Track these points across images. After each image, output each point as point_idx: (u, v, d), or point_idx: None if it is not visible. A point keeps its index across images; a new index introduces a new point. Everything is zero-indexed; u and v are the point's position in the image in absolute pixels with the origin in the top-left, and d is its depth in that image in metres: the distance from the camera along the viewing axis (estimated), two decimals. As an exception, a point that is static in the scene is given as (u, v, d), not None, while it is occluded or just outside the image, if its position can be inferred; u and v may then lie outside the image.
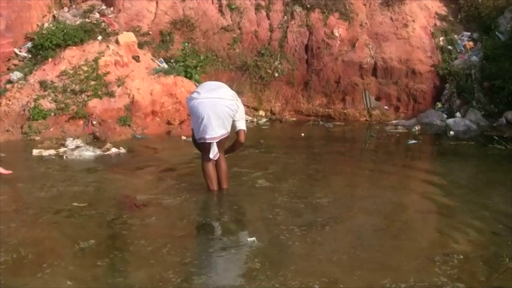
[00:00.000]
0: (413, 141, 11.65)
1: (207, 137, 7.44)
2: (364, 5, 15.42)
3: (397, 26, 14.95)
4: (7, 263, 5.54)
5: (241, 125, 7.65)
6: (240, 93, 14.03)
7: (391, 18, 15.10)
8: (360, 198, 7.76)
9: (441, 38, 14.88)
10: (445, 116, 13.62)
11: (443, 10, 15.40)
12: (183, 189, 7.96)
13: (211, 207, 7.37)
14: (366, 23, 15.13)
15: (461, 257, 5.47)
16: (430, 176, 9.05)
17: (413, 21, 14.96)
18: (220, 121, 7.40)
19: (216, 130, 7.41)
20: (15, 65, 14.24)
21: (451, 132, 12.41)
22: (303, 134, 12.76)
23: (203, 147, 7.58)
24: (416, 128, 12.91)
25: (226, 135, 7.55)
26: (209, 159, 7.57)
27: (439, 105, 14.09)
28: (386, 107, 14.43)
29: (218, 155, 7.56)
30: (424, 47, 14.65)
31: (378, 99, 14.53)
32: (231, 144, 7.88)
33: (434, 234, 6.32)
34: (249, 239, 5.86)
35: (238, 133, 7.67)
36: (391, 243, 5.97)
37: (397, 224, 6.65)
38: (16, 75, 13.57)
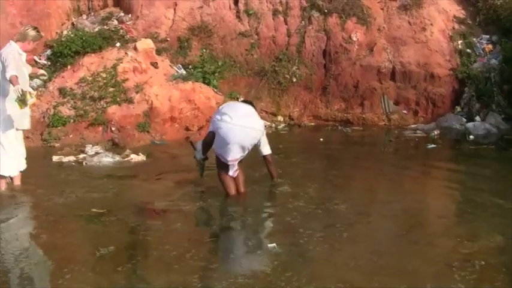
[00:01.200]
0: (433, 146, 11.60)
1: (229, 158, 7.47)
2: (382, 9, 15.38)
3: (415, 29, 14.90)
4: (28, 269, 5.57)
5: (268, 150, 7.93)
6: (258, 98, 14.15)
7: (409, 22, 15.05)
8: (378, 203, 7.73)
9: (460, 42, 14.81)
10: (464, 119, 13.55)
11: (461, 13, 15.33)
12: (202, 195, 8.00)
13: (230, 213, 7.35)
14: (383, 27, 15.09)
15: (482, 263, 5.41)
16: (450, 181, 9.00)
17: (431, 24, 14.90)
18: (245, 149, 7.50)
19: (240, 153, 7.48)
20: (34, 72, 14.34)
21: (471, 136, 12.35)
22: (321, 139, 12.73)
23: (223, 162, 7.60)
24: (436, 132, 12.84)
25: None
26: (227, 172, 7.58)
27: (458, 109, 14.03)
28: (405, 111, 14.37)
29: (237, 171, 7.58)
30: (442, 51, 14.59)
31: (396, 103, 14.47)
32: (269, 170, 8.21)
33: (454, 240, 6.25)
34: (269, 245, 5.85)
35: (266, 158, 8.01)
36: (409, 249, 5.93)
37: (416, 229, 6.61)
38: (35, 82, 13.66)
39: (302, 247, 5.95)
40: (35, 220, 7.52)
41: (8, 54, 8.25)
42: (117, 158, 10.66)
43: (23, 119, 8.55)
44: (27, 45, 8.60)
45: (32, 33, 8.54)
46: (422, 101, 14.27)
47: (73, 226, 7.08)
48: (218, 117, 7.50)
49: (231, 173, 7.52)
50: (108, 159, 10.52)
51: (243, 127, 7.36)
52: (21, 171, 8.75)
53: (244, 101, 8.73)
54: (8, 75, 7.98)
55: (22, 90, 7.89)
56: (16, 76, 7.98)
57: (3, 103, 8.30)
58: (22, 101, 7.94)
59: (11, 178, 8.62)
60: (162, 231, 6.68)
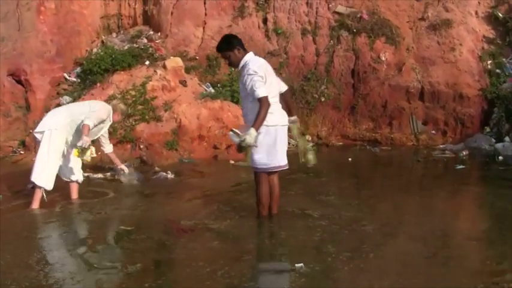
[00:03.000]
0: (461, 166, 11.51)
1: (283, 163, 7.58)
2: (411, 28, 15.36)
3: (444, 49, 14.84)
4: (56, 286, 5.60)
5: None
6: (286, 117, 14.09)
7: (438, 42, 15.00)
8: (407, 224, 7.65)
9: (489, 62, 14.73)
10: (493, 140, 13.43)
11: (491, 33, 15.25)
12: (230, 213, 7.96)
13: (258, 233, 7.35)
14: (412, 47, 15.07)
15: (511, 285, 5.35)
16: (479, 202, 8.94)
17: (460, 44, 14.84)
18: None
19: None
20: (64, 89, 14.56)
21: (500, 157, 12.22)
22: (350, 159, 12.70)
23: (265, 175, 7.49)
24: (464, 152, 12.73)
25: None
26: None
27: (487, 129, 13.92)
28: (433, 132, 14.30)
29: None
30: (471, 71, 14.52)
31: (425, 123, 14.41)
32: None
33: (483, 262, 6.19)
34: (297, 265, 5.84)
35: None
36: (437, 271, 5.86)
37: (444, 251, 6.54)
38: (65, 99, 13.84)
39: (328, 267, 5.93)
40: (63, 237, 7.57)
41: (100, 110, 8.93)
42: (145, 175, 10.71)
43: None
44: (115, 116, 9.32)
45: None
46: (451, 121, 14.19)
47: (101, 243, 7.12)
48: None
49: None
50: (134, 176, 10.50)
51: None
52: (78, 183, 9.17)
53: None
54: (84, 121, 8.54)
55: (89, 145, 8.49)
56: (89, 128, 8.54)
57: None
58: (81, 152, 8.30)
59: (45, 195, 8.82)
60: (188, 249, 6.69)
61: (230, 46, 7.19)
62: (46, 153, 8.66)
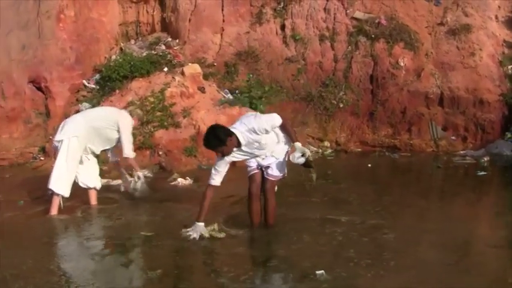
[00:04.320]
0: (482, 173, 11.42)
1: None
2: (430, 34, 15.26)
3: (463, 54, 14.73)
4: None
5: None
6: (304, 124, 14.18)
7: (457, 47, 14.89)
8: (428, 231, 7.60)
9: (509, 66, 14.59)
10: (515, 146, 13.33)
11: (511, 37, 15.14)
12: (248, 219, 7.92)
13: (280, 239, 7.32)
14: (431, 52, 14.97)
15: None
16: (501, 209, 8.88)
17: (480, 49, 14.72)
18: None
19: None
20: (84, 96, 14.62)
21: (522, 163, 12.15)
22: (369, 165, 12.66)
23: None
24: (485, 158, 12.62)
25: None
26: None
27: (509, 135, 13.78)
28: (453, 138, 14.17)
29: None
30: (491, 76, 14.40)
31: (444, 129, 14.29)
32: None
33: (505, 270, 6.14)
34: (317, 272, 5.84)
35: None
36: (458, 279, 5.83)
37: (466, 258, 6.51)
38: (85, 106, 13.88)
39: (349, 274, 5.93)
40: (83, 244, 7.60)
41: (128, 124, 9.34)
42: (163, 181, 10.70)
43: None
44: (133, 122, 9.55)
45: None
46: (471, 127, 14.06)
47: (121, 249, 7.13)
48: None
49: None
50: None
51: None
52: (96, 190, 9.29)
53: None
54: (126, 154, 9.20)
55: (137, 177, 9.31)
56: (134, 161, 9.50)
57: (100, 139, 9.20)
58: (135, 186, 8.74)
59: (61, 202, 8.87)
60: (207, 255, 6.71)
61: (222, 142, 6.91)
62: (64, 161, 8.75)
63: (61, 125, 9.17)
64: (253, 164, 7.48)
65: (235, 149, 7.08)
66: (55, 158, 9.07)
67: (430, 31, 15.25)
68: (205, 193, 7.31)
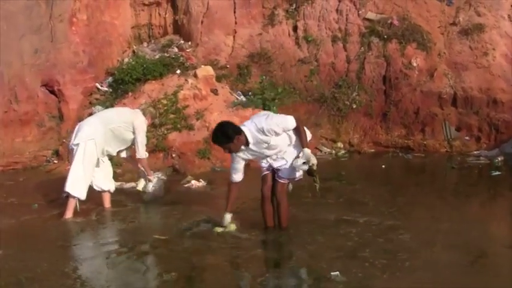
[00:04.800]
0: (497, 173, 11.36)
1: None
2: (442, 34, 15.20)
3: (476, 54, 14.65)
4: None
5: None
6: (317, 125, 14.16)
7: (470, 47, 14.81)
8: (443, 232, 7.56)
9: (523, 66, 14.54)
10: (529, 146, 13.25)
11: (524, 37, 15.07)
12: (261, 221, 7.90)
13: (294, 241, 7.29)
14: (444, 53, 14.90)
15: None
16: (516, 209, 8.83)
17: (493, 49, 14.63)
18: None
19: None
20: (96, 99, 14.68)
21: (536, 163, 12.07)
22: (383, 166, 12.62)
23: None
24: (499, 158, 12.52)
25: None
26: None
27: (523, 135, 13.74)
28: (467, 138, 14.08)
29: None
30: (505, 76, 14.28)
31: (458, 129, 14.21)
32: None
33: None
34: (332, 273, 5.83)
35: None
36: (474, 279, 5.80)
37: (481, 259, 6.47)
38: (98, 109, 13.91)
39: (364, 275, 5.91)
40: (98, 246, 7.61)
41: (142, 124, 9.39)
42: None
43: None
44: (147, 121, 9.63)
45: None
46: (485, 127, 13.96)
47: (135, 252, 7.13)
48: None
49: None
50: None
51: None
52: (110, 193, 9.36)
53: None
54: (139, 155, 9.33)
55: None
56: (146, 162, 9.57)
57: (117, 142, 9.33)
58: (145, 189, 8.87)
59: (78, 205, 8.96)
60: (223, 257, 6.70)
61: (229, 139, 6.94)
62: (81, 164, 8.79)
63: (76, 129, 9.19)
64: (265, 164, 7.47)
65: (243, 148, 7.07)
66: (71, 162, 9.11)
67: (443, 31, 15.18)
68: (229, 188, 7.50)
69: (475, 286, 5.62)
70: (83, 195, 8.87)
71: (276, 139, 7.05)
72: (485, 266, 6.27)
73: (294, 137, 7.24)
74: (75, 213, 8.82)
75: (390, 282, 5.75)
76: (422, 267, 6.22)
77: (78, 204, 8.92)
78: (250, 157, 7.30)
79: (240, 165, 7.27)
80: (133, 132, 9.16)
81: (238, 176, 7.35)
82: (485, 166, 12.17)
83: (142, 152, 9.19)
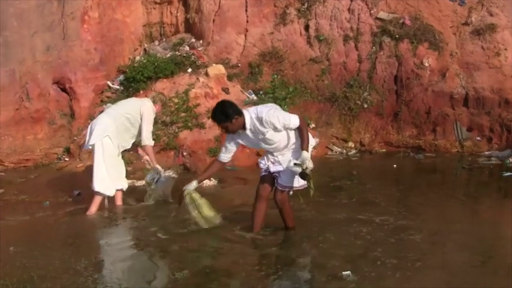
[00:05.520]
0: (508, 173, 11.30)
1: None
2: (454, 34, 15.15)
3: (488, 54, 14.61)
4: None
5: None
6: (329, 124, 14.17)
7: (482, 47, 14.77)
8: (454, 232, 7.52)
9: (535, 67, 14.47)
10: (540, 147, 13.18)
11: (537, 37, 15.00)
12: (276, 219, 7.86)
13: (305, 240, 7.25)
14: (456, 53, 14.86)
15: None
16: (528, 210, 8.78)
17: (505, 49, 14.57)
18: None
19: None
20: (108, 97, 14.72)
21: (547, 164, 12.01)
22: (395, 166, 12.59)
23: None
24: (510, 159, 12.44)
25: None
26: None
27: (534, 135, 13.68)
28: (478, 138, 14.04)
29: None
30: (517, 76, 14.28)
31: (469, 130, 14.17)
32: None
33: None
34: (344, 273, 5.82)
35: None
36: (485, 280, 5.77)
37: (494, 260, 6.43)
38: (109, 106, 13.92)
39: (375, 275, 5.90)
40: (109, 244, 7.64)
41: (149, 113, 9.33)
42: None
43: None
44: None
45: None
46: (497, 128, 13.91)
47: (147, 249, 7.14)
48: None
49: None
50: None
51: None
52: (123, 191, 9.40)
53: None
54: (145, 143, 9.25)
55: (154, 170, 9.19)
56: (152, 150, 9.42)
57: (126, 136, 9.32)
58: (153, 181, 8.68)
59: (108, 200, 9.20)
60: (235, 256, 6.70)
61: (228, 118, 6.84)
62: (102, 161, 8.91)
63: (88, 129, 9.24)
64: (263, 166, 7.32)
65: (240, 132, 7.00)
66: (85, 160, 9.16)
67: (455, 31, 15.15)
68: (212, 163, 7.44)
69: (486, 287, 5.59)
70: (111, 192, 9.07)
71: (273, 134, 6.91)
72: (496, 266, 6.22)
73: (292, 140, 7.07)
74: (88, 210, 8.87)
75: (402, 283, 5.73)
76: (433, 267, 6.19)
77: (106, 201, 9.17)
78: (245, 143, 7.19)
79: (232, 146, 7.13)
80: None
81: (226, 157, 7.21)
82: (497, 167, 12.12)
83: (147, 139, 9.11)
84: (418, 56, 14.69)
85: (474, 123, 14.12)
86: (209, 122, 12.85)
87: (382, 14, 15.38)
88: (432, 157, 13.52)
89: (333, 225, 7.80)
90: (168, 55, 15.38)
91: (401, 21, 15.13)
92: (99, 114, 13.39)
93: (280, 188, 7.22)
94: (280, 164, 7.15)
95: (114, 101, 14.20)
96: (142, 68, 14.53)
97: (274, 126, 6.84)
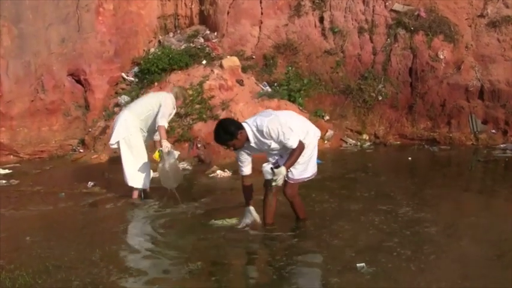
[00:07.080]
0: (524, 166, 11.28)
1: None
2: (470, 26, 15.06)
3: (504, 47, 14.51)
4: (118, 284, 5.66)
5: None
6: (343, 116, 14.15)
7: (498, 40, 14.67)
8: (469, 225, 7.49)
9: (551, 59, 14.36)
10: (556, 139, 13.11)
11: (553, 29, 14.88)
12: (290, 211, 7.85)
13: (320, 232, 7.23)
14: (471, 45, 14.78)
15: None
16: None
17: (521, 42, 14.52)
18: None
19: None
20: (122, 89, 14.78)
21: None
22: (410, 158, 12.56)
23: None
24: (526, 152, 12.47)
25: None
26: None
27: (550, 128, 13.60)
28: (493, 131, 13.96)
29: None
30: (533, 68, 14.18)
31: (484, 122, 14.08)
32: None
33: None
34: (358, 265, 5.81)
35: None
36: (500, 274, 5.72)
37: (508, 253, 6.39)
38: (124, 98, 14.02)
39: (390, 267, 5.88)
40: (125, 235, 7.67)
41: (168, 104, 9.23)
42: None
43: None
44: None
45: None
46: (512, 120, 13.87)
47: (161, 241, 7.16)
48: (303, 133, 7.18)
49: None
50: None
51: None
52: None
53: None
54: (159, 122, 9.03)
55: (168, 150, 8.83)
56: (165, 130, 9.09)
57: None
58: (162, 156, 8.70)
59: (142, 194, 9.43)
60: (248, 247, 6.71)
61: (232, 135, 6.75)
62: (131, 158, 9.11)
63: (112, 127, 9.45)
64: (272, 159, 7.28)
65: (245, 145, 6.95)
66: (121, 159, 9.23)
67: (470, 23, 15.06)
68: (243, 183, 7.28)
69: (501, 280, 5.56)
70: (146, 185, 9.30)
71: (275, 144, 6.93)
72: (512, 259, 6.20)
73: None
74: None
75: (416, 275, 5.71)
76: (448, 260, 6.16)
77: (142, 194, 9.35)
78: (254, 152, 7.17)
79: (246, 158, 7.08)
80: None
81: (247, 169, 7.14)
82: (512, 160, 12.08)
83: (162, 120, 8.98)
84: (433, 48, 14.61)
85: (489, 116, 14.04)
86: (223, 114, 12.89)
87: (397, 6, 15.31)
88: (447, 150, 13.46)
89: (348, 217, 7.80)
90: (183, 47, 15.40)
91: (416, 13, 15.06)
92: (114, 106, 13.56)
93: (290, 182, 7.20)
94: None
95: (128, 93, 14.29)
96: (156, 60, 14.57)
97: (273, 138, 6.80)
